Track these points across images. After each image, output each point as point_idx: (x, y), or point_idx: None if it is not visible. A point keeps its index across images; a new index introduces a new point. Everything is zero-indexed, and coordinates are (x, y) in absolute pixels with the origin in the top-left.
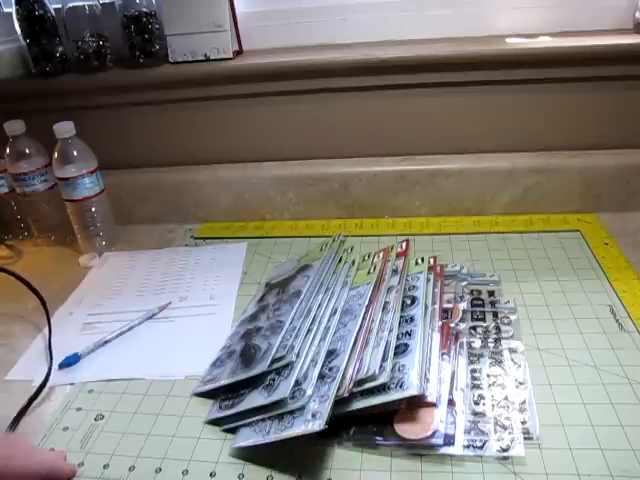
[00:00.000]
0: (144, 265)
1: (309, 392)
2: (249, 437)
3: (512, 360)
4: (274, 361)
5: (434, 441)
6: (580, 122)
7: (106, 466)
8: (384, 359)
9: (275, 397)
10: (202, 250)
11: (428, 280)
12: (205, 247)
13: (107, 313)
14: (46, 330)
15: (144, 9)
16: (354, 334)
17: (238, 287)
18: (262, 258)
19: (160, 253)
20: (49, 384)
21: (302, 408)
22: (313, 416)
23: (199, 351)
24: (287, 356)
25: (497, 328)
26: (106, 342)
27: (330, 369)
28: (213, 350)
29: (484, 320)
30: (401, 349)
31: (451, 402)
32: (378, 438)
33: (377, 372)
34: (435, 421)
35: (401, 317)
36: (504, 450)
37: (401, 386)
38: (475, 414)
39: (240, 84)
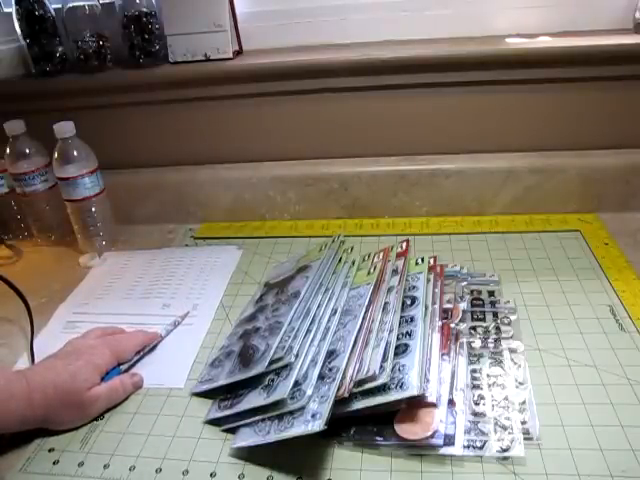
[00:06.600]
0: (138, 266)
1: (309, 392)
2: (249, 437)
3: (512, 360)
4: (272, 362)
5: (434, 441)
6: (580, 122)
7: (106, 466)
8: (384, 359)
9: (274, 398)
10: (197, 253)
11: (428, 280)
12: (202, 249)
13: (93, 313)
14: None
15: (144, 9)
16: (354, 334)
17: (222, 297)
18: (262, 258)
19: (157, 254)
20: None
21: (302, 408)
22: (313, 416)
23: (167, 363)
24: (285, 357)
25: (497, 328)
26: None
27: (330, 369)
28: (185, 363)
29: (484, 320)
30: (401, 349)
31: (451, 402)
32: (378, 438)
33: (377, 372)
34: (435, 421)
35: (401, 317)
36: (504, 450)
37: (401, 386)
38: (475, 414)
39: (240, 84)
